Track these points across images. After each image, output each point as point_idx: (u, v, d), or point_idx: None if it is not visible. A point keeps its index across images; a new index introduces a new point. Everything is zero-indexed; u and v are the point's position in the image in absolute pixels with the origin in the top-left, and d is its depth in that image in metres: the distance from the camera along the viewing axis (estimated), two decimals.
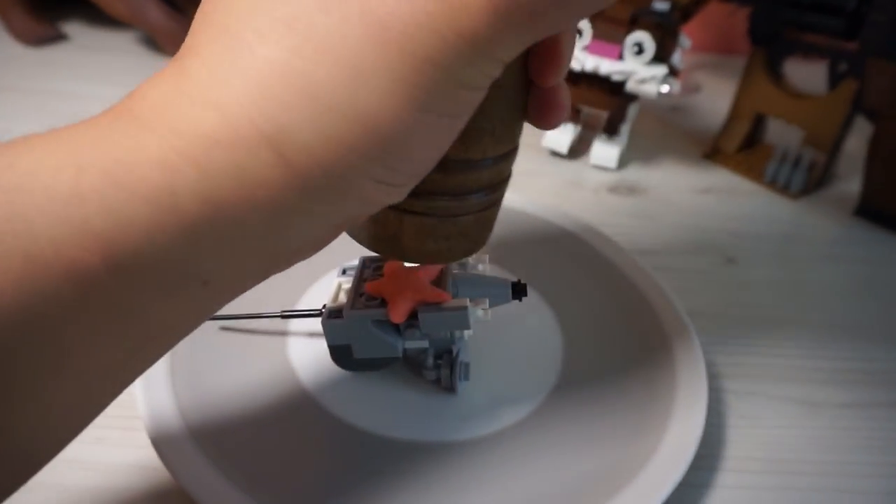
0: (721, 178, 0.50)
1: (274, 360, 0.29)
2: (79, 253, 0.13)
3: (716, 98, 0.65)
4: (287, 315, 0.30)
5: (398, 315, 0.26)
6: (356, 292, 0.27)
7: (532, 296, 0.34)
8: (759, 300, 0.37)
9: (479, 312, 0.26)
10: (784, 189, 0.48)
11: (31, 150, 0.14)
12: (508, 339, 0.31)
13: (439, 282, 0.27)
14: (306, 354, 0.30)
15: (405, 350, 0.28)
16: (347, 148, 0.15)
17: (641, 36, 0.41)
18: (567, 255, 0.37)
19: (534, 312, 0.33)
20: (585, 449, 0.26)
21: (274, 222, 0.15)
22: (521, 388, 0.29)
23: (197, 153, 0.14)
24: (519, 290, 0.27)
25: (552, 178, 0.48)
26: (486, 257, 0.29)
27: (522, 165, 0.50)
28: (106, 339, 0.14)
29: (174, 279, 0.15)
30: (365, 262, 0.29)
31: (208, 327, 0.30)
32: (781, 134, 0.50)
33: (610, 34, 0.41)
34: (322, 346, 0.28)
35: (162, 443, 0.24)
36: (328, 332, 0.27)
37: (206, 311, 0.17)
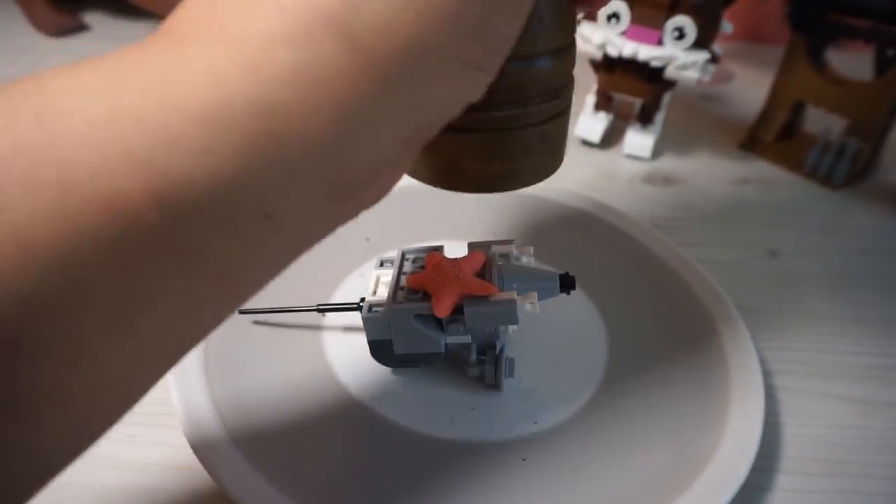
0: (758, 169, 0.48)
1: (310, 356, 0.28)
2: (119, 181, 0.11)
3: (748, 87, 0.63)
4: (323, 308, 0.29)
5: (442, 309, 0.24)
6: (397, 285, 0.26)
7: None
8: (806, 294, 0.36)
9: (528, 306, 0.25)
10: (826, 180, 0.46)
11: (64, 75, 0.12)
12: (550, 334, 0.30)
13: (484, 274, 0.26)
14: (343, 350, 0.29)
15: (447, 345, 0.27)
16: (437, 15, 0.12)
17: (683, 20, 0.39)
18: (606, 247, 0.36)
19: (575, 306, 0.32)
20: (637, 450, 0.25)
21: (343, 129, 0.13)
22: (565, 384, 0.28)
23: (253, 55, 0.12)
24: (567, 283, 0.26)
25: (584, 168, 0.47)
26: (531, 249, 0.28)
27: None
28: (160, 288, 0.12)
29: (231, 211, 0.12)
30: (404, 255, 0.28)
31: (241, 322, 0.29)
32: (821, 123, 0.48)
33: (649, 19, 0.40)
34: (360, 341, 0.27)
35: (198, 441, 0.23)
36: (368, 327, 0.26)
37: (272, 255, 0.14)
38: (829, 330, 0.33)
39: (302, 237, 0.14)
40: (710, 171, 0.48)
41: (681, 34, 0.40)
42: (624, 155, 0.48)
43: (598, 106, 0.48)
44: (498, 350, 0.26)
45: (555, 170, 0.21)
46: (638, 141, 0.47)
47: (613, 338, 0.30)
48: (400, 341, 0.26)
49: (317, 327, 0.30)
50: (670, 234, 0.38)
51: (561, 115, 0.20)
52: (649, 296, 0.32)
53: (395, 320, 0.25)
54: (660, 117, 0.48)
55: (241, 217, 0.12)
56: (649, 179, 0.46)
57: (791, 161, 0.48)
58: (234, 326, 0.29)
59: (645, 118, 0.47)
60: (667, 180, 0.46)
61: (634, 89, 0.44)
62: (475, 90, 0.15)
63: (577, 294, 0.32)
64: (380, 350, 0.27)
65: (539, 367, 0.28)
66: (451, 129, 0.18)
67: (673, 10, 0.39)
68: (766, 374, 0.30)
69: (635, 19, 0.40)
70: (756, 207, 0.44)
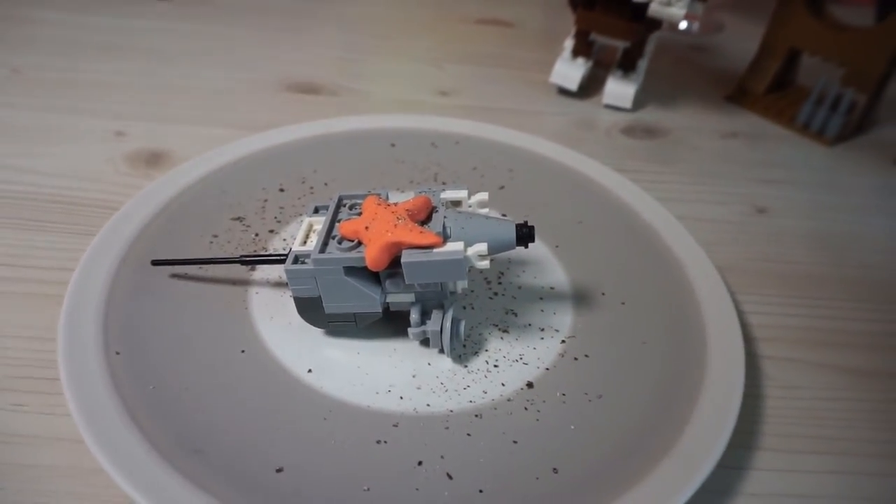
0: (747, 122, 0.45)
1: (233, 316, 0.25)
2: None
3: (739, 39, 0.59)
4: (247, 260, 0.25)
5: (376, 260, 0.21)
6: (328, 234, 0.23)
7: (537, 243, 0.29)
8: (794, 254, 0.33)
9: (477, 260, 0.21)
10: (818, 134, 0.43)
11: None
12: (507, 291, 0.27)
13: (428, 221, 0.22)
14: (271, 310, 0.25)
15: (386, 304, 0.23)
16: None
17: None
18: (579, 201, 0.32)
19: (538, 262, 0.28)
20: (602, 424, 0.22)
21: None
22: (522, 350, 0.24)
23: None
24: (525, 235, 0.22)
25: (560, 117, 0.43)
26: (486, 196, 0.24)
27: (527, 104, 0.45)
28: None
29: None
30: (341, 200, 0.24)
31: (155, 273, 0.25)
32: (815, 77, 0.45)
33: None
34: (289, 298, 0.24)
35: (86, 414, 0.20)
36: (293, 281, 0.22)
37: None
38: (818, 293, 0.30)
39: None
40: (696, 124, 0.44)
41: None
42: (603, 105, 0.44)
43: (577, 51, 0.44)
44: (445, 310, 0.23)
45: None
46: (618, 90, 0.43)
47: (580, 300, 0.27)
48: (330, 298, 0.22)
49: (244, 283, 0.26)
50: (651, 189, 0.35)
51: None
52: (621, 252, 0.29)
53: (323, 274, 0.22)
54: (643, 65, 0.44)
55: None
56: (630, 131, 0.42)
57: (782, 115, 0.45)
58: (145, 280, 0.25)
59: (627, 65, 0.43)
60: (649, 132, 0.42)
61: (616, 29, 0.40)
62: None
63: (540, 249, 0.29)
64: (308, 308, 0.23)
65: (494, 329, 0.25)
66: None
67: None
68: (749, 342, 0.27)
69: None
70: (743, 162, 0.40)
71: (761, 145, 0.42)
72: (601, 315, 0.26)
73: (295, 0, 0.55)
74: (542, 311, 0.26)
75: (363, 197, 0.24)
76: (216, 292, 0.25)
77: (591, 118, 0.43)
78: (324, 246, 0.22)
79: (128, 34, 0.47)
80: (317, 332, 0.24)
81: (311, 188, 0.31)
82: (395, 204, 0.23)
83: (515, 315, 0.26)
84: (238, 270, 0.26)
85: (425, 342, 0.24)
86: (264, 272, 0.27)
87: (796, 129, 0.44)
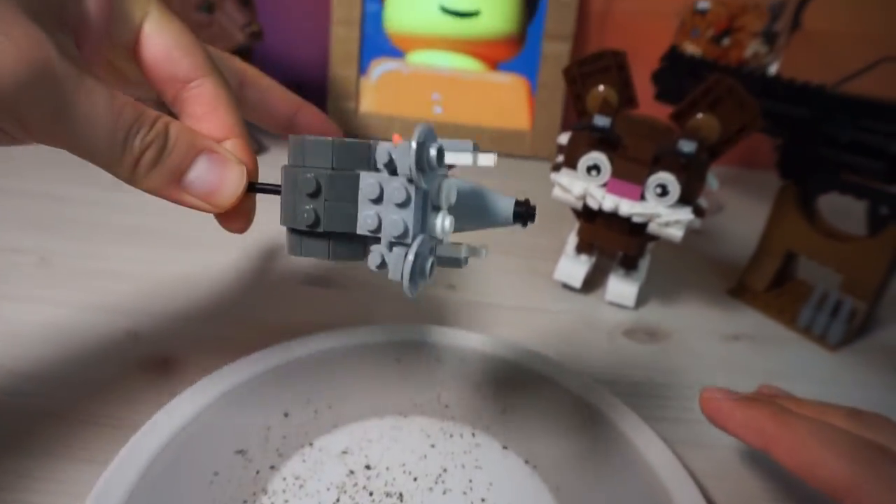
0: (750, 321, 0.45)
1: None
2: None
3: (740, 219, 0.61)
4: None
5: None
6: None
7: (537, 485, 0.29)
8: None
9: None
10: (821, 338, 0.43)
11: None
12: None
13: None
14: None
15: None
16: None
17: (665, 177, 0.37)
18: (583, 434, 0.32)
19: (526, 489, 0.28)
20: None
21: None
22: None
23: None
24: (524, 214, 0.22)
25: (562, 315, 0.44)
26: (484, 251, 0.23)
27: (532, 300, 0.46)
28: None
29: None
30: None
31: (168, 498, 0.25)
32: (816, 270, 0.46)
33: (630, 173, 0.38)
34: None
35: None
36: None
37: None
38: None
39: None
40: (699, 324, 0.45)
41: (664, 191, 0.37)
42: (606, 301, 0.45)
43: (580, 248, 0.46)
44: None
45: None
46: (620, 288, 0.44)
47: None
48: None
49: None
50: (652, 403, 0.35)
51: None
52: (624, 500, 0.29)
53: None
54: (644, 263, 0.45)
55: None
56: (631, 332, 0.43)
57: (784, 314, 0.45)
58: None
59: (628, 264, 0.45)
60: (650, 334, 0.43)
61: (616, 242, 0.41)
62: None
63: (541, 492, 0.28)
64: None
65: None
66: None
67: (655, 165, 0.38)
68: None
69: (616, 173, 0.38)
70: (747, 369, 0.41)
71: (764, 350, 0.43)
72: None
73: None
74: None
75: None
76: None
77: (594, 316, 0.44)
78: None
79: (151, 215, 0.50)
80: None
81: (316, 411, 0.32)
82: None
83: None
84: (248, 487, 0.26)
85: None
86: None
87: (799, 330, 0.44)
